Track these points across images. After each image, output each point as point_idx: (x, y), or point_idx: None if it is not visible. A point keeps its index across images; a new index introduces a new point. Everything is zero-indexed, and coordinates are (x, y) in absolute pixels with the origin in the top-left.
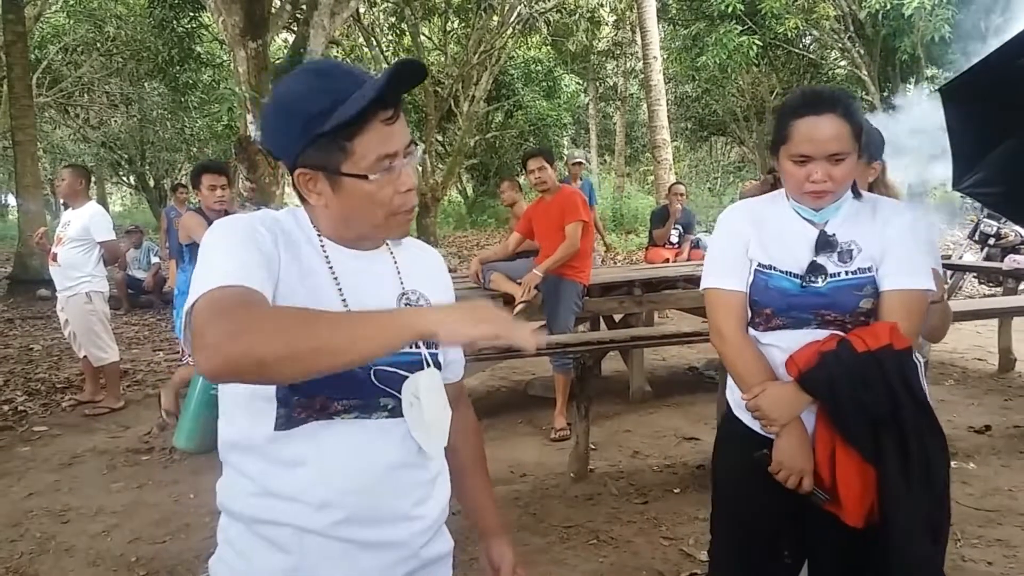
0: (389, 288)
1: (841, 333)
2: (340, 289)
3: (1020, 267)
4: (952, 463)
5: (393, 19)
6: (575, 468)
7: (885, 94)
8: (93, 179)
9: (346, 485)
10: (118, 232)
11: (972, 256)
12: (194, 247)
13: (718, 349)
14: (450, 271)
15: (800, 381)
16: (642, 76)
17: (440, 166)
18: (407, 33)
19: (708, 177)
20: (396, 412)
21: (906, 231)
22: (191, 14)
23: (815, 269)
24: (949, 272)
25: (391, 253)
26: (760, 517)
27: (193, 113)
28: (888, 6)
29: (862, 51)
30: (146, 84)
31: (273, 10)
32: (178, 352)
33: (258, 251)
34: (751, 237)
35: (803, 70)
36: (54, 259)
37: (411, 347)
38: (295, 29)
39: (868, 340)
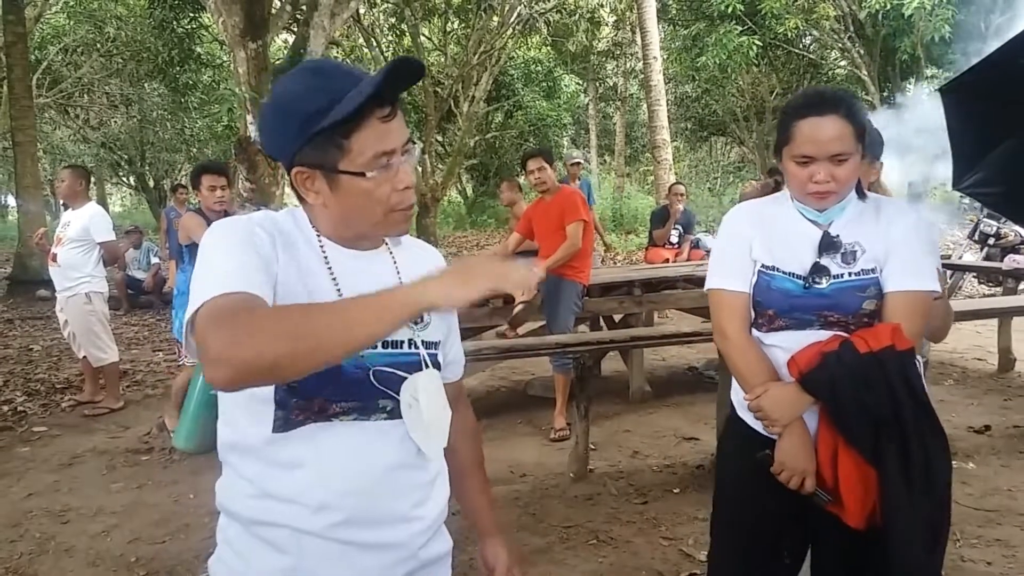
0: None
1: (844, 334)
2: (339, 290)
3: (1020, 267)
4: (952, 463)
5: (393, 20)
6: (575, 468)
7: (885, 94)
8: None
9: (344, 487)
10: (118, 232)
11: (972, 256)
12: (194, 247)
13: (721, 349)
14: None
15: (801, 382)
16: (642, 76)
17: (440, 166)
18: (407, 34)
19: (708, 177)
20: (395, 414)
21: (910, 232)
22: (191, 15)
23: (818, 270)
24: (949, 272)
25: (390, 253)
26: (762, 517)
27: (193, 114)
28: (888, 6)
29: (862, 51)
30: (146, 85)
31: (273, 11)
32: (177, 353)
33: (256, 254)
34: (755, 238)
35: (803, 70)
36: (54, 259)
37: (409, 348)
38: (295, 30)
39: (870, 341)
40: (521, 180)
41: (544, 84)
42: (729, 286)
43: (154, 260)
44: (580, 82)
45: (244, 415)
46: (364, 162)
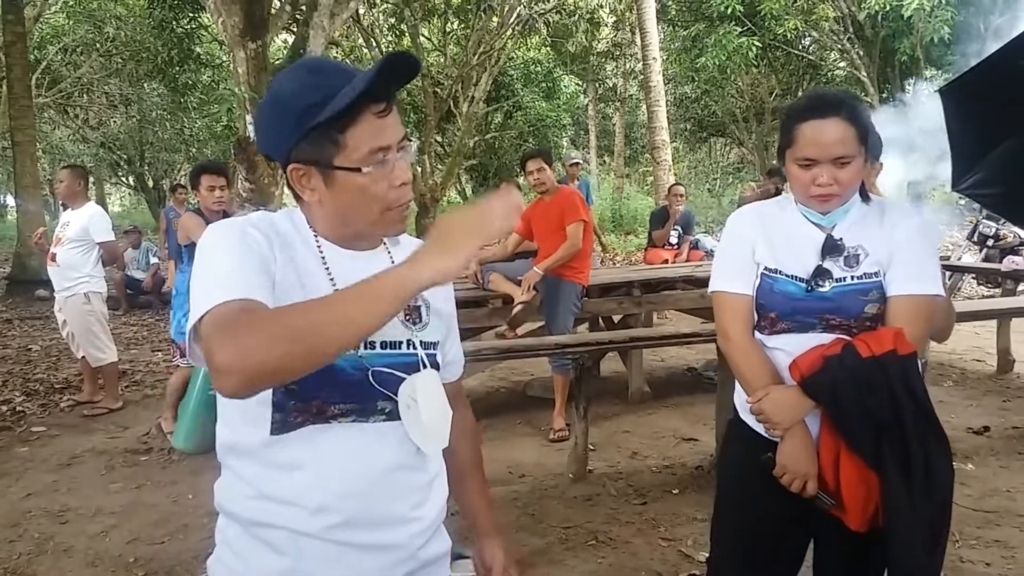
0: None
1: (847, 337)
2: (336, 290)
3: (1019, 268)
4: (953, 466)
5: (392, 20)
6: (574, 469)
7: (884, 95)
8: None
9: (343, 488)
10: (116, 232)
11: (971, 257)
12: (193, 248)
13: (724, 352)
14: None
15: (803, 385)
16: (641, 77)
17: (439, 167)
18: (407, 34)
19: (707, 178)
20: (394, 415)
21: (913, 235)
22: (190, 15)
23: (821, 273)
24: (948, 273)
25: (388, 253)
26: (764, 520)
27: (192, 114)
28: (887, 7)
29: (861, 52)
30: (145, 85)
31: (273, 11)
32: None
33: (254, 256)
34: (758, 240)
35: (802, 71)
36: (53, 259)
37: (408, 348)
38: (295, 30)
39: (873, 345)
40: (520, 181)
41: (543, 85)
42: (732, 288)
43: (153, 260)
44: (579, 83)
45: (242, 417)
46: (360, 158)
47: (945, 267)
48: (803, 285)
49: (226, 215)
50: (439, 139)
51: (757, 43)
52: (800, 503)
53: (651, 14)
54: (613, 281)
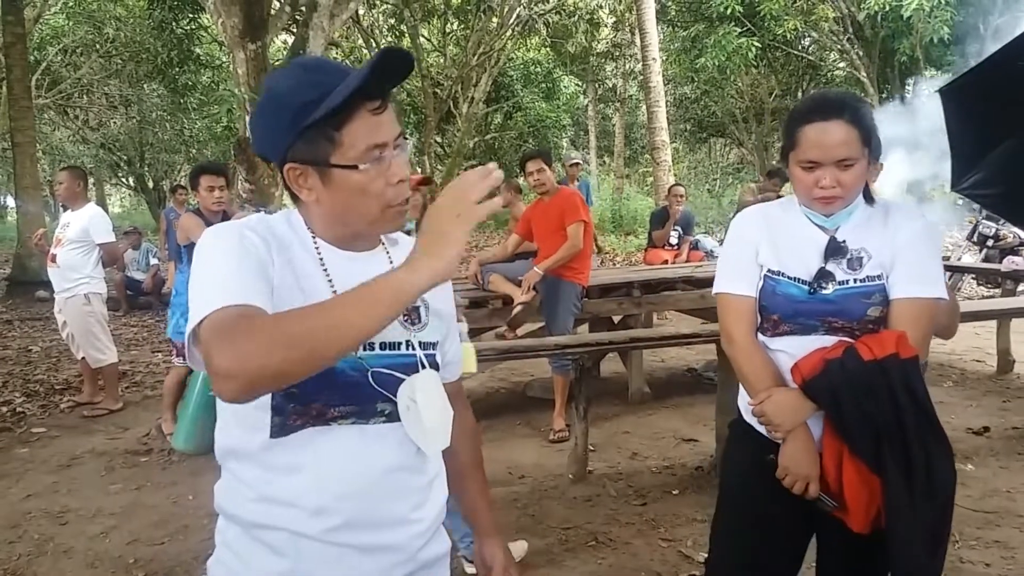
0: None
1: (849, 340)
2: (335, 292)
3: (1018, 268)
4: (955, 469)
5: (392, 21)
6: (574, 470)
7: (884, 95)
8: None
9: (343, 490)
10: (117, 233)
11: (970, 257)
12: (192, 248)
13: (728, 353)
14: None
15: (804, 388)
16: (641, 78)
17: (439, 167)
18: (406, 35)
19: (707, 179)
20: (393, 417)
21: (917, 238)
22: (190, 16)
23: (823, 276)
24: (948, 274)
25: (387, 253)
26: (765, 520)
27: (192, 115)
28: (887, 8)
29: (861, 53)
30: (145, 86)
31: (272, 12)
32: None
33: (252, 260)
34: (761, 242)
35: (802, 72)
36: (53, 260)
37: (407, 349)
38: (294, 31)
39: (874, 348)
40: (520, 181)
41: (543, 85)
42: (735, 290)
43: (153, 261)
44: (579, 83)
45: (241, 421)
46: (356, 155)
47: (945, 267)
48: (806, 287)
49: (226, 215)
50: (439, 140)
51: (757, 43)
52: (802, 505)
53: (651, 15)
54: (613, 282)
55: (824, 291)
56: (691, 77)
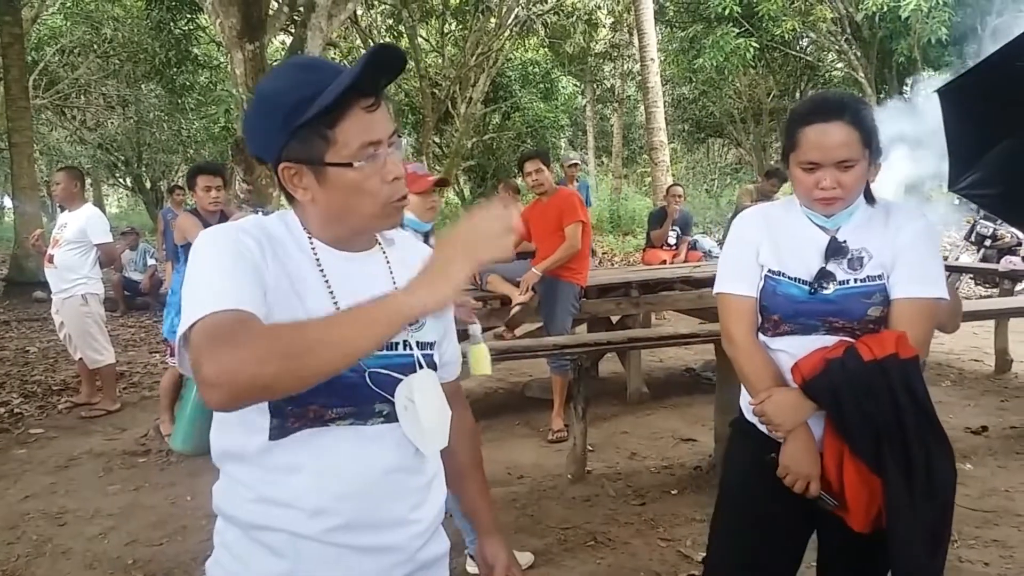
0: (382, 289)
1: (850, 339)
2: (332, 292)
3: (1016, 268)
4: (956, 469)
5: (391, 21)
6: (572, 470)
7: (882, 96)
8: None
9: (342, 491)
10: (114, 234)
11: (968, 257)
12: (189, 248)
13: (728, 353)
14: None
15: (804, 388)
16: (639, 78)
17: (437, 168)
18: (405, 35)
19: (705, 179)
20: (392, 417)
21: (918, 238)
22: (188, 16)
23: (824, 276)
24: (946, 274)
25: (383, 253)
26: (766, 519)
27: (190, 115)
28: (885, 8)
29: (859, 53)
30: (143, 86)
31: (270, 12)
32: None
33: (246, 264)
34: (762, 243)
35: (800, 72)
36: (50, 261)
37: (404, 349)
38: (292, 31)
39: (875, 348)
40: (519, 182)
41: (541, 86)
42: (736, 290)
43: (150, 262)
44: (577, 84)
45: (239, 423)
46: (350, 153)
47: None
48: (806, 288)
49: (223, 216)
50: (437, 140)
51: (755, 44)
52: (803, 504)
53: (649, 15)
54: (611, 282)
55: (825, 291)
56: (689, 77)
